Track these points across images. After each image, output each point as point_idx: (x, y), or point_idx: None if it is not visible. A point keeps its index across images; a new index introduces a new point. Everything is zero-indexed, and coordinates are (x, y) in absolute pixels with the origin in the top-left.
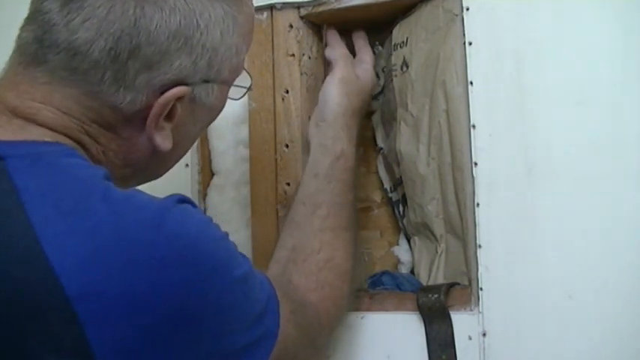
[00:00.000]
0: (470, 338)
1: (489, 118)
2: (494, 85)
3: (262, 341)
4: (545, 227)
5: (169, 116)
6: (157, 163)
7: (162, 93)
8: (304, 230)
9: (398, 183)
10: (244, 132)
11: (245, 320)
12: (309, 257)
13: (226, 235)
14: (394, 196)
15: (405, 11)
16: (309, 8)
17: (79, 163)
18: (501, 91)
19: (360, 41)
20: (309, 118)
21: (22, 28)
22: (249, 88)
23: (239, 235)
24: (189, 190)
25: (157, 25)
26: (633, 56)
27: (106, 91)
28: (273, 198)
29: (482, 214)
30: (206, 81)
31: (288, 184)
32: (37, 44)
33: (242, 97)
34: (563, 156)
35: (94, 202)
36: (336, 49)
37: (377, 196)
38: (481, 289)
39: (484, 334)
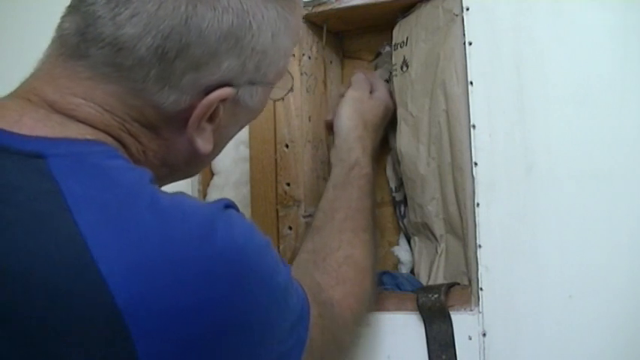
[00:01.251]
0: (470, 338)
1: (489, 118)
2: (494, 85)
3: (294, 349)
4: (545, 227)
5: (211, 118)
6: (194, 164)
7: (207, 94)
8: (323, 233)
9: (401, 183)
10: (244, 132)
11: (283, 329)
12: (328, 256)
13: (269, 241)
14: (397, 196)
15: (405, 11)
16: (309, 8)
17: (124, 166)
18: (501, 91)
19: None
20: (309, 118)
21: (64, 18)
22: (290, 90)
23: None
24: (189, 190)
25: (208, 24)
26: (633, 56)
27: (150, 89)
28: (273, 198)
29: (482, 214)
30: (252, 83)
31: (288, 184)
32: (80, 37)
33: (282, 97)
34: (563, 156)
35: (140, 209)
36: (355, 76)
37: (378, 196)
38: (481, 289)
39: (484, 334)
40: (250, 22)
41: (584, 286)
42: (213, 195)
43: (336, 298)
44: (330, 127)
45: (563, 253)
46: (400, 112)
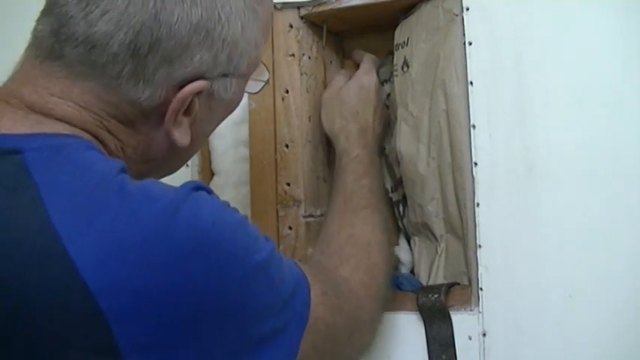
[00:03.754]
0: (470, 338)
1: (489, 118)
2: (494, 85)
3: (291, 325)
4: (545, 227)
5: (187, 111)
6: (174, 159)
7: (181, 88)
8: (326, 223)
9: (398, 183)
10: (244, 132)
11: (272, 305)
12: (331, 240)
13: (245, 218)
14: (395, 197)
15: (406, 11)
16: (309, 8)
17: (96, 156)
18: (501, 91)
19: (357, 55)
20: (309, 118)
21: (38, 21)
22: (266, 82)
23: None
24: None
25: (178, 18)
26: (633, 56)
27: (125, 85)
28: (273, 198)
29: (482, 214)
30: (225, 75)
31: (288, 184)
32: (54, 37)
33: (260, 91)
34: (563, 156)
35: (108, 195)
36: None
37: None
38: (481, 289)
39: (484, 334)
40: (219, 13)
41: (584, 286)
42: None
43: (343, 276)
44: None
45: (563, 253)
46: (400, 112)
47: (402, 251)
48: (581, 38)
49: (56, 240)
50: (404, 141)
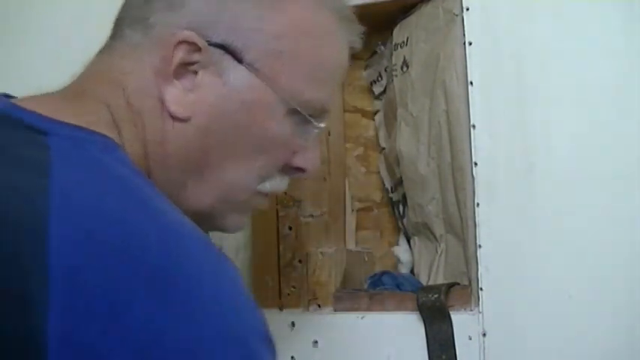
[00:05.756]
0: (470, 338)
1: (489, 118)
2: (494, 85)
3: None
4: (545, 227)
5: (184, 72)
6: (193, 174)
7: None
8: None
9: (398, 183)
10: None
11: None
12: None
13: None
14: (394, 196)
15: (406, 11)
16: None
17: (122, 159)
18: (501, 91)
19: None
20: None
21: None
22: (318, 129)
23: (238, 235)
24: None
25: None
26: (633, 56)
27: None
28: (273, 198)
29: (482, 214)
30: (223, 47)
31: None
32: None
33: (308, 135)
34: (563, 156)
35: (128, 203)
36: None
37: (377, 196)
38: (481, 289)
39: (484, 334)
40: None
41: (584, 286)
42: None
43: None
44: None
45: (563, 253)
46: (400, 112)
47: (402, 251)
48: (581, 38)
49: (44, 207)
50: (404, 141)
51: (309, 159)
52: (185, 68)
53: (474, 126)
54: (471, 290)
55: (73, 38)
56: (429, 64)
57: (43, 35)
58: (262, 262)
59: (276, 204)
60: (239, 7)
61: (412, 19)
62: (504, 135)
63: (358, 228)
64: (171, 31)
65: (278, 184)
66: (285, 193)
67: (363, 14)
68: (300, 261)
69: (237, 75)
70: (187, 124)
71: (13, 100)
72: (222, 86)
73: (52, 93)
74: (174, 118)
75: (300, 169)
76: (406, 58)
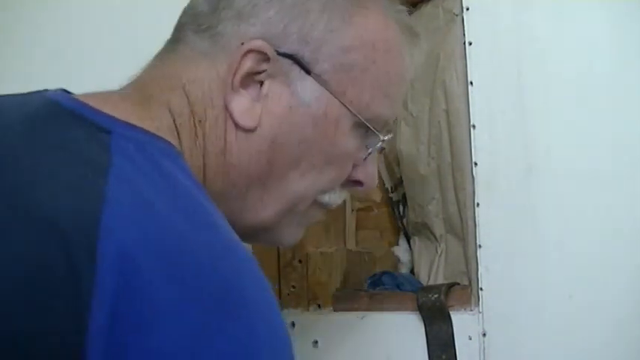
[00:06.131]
0: (470, 338)
1: (489, 118)
2: (494, 85)
3: None
4: (545, 227)
5: (251, 81)
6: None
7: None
8: None
9: (398, 183)
10: None
11: None
12: None
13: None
14: (394, 196)
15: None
16: None
17: (182, 167)
18: (501, 91)
19: None
20: None
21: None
22: (379, 143)
23: None
24: None
25: None
26: (633, 56)
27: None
28: None
29: (482, 214)
30: (292, 57)
31: None
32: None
33: (369, 151)
34: (563, 156)
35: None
36: None
37: (377, 196)
38: (481, 289)
39: (484, 334)
40: None
41: (584, 286)
42: None
43: None
44: None
45: (563, 253)
46: (400, 111)
47: (402, 251)
48: (581, 38)
49: (97, 211)
50: (404, 141)
51: (369, 173)
52: (251, 78)
53: (474, 126)
54: (471, 290)
55: (72, 38)
56: (429, 64)
57: (43, 35)
58: (262, 262)
59: None
60: (309, 18)
61: (412, 19)
62: (504, 135)
63: (358, 228)
64: (240, 41)
65: (337, 197)
66: None
67: None
68: (300, 261)
69: (305, 86)
70: (253, 134)
71: (72, 96)
72: (290, 97)
73: (113, 92)
74: (239, 127)
75: (359, 183)
76: None
